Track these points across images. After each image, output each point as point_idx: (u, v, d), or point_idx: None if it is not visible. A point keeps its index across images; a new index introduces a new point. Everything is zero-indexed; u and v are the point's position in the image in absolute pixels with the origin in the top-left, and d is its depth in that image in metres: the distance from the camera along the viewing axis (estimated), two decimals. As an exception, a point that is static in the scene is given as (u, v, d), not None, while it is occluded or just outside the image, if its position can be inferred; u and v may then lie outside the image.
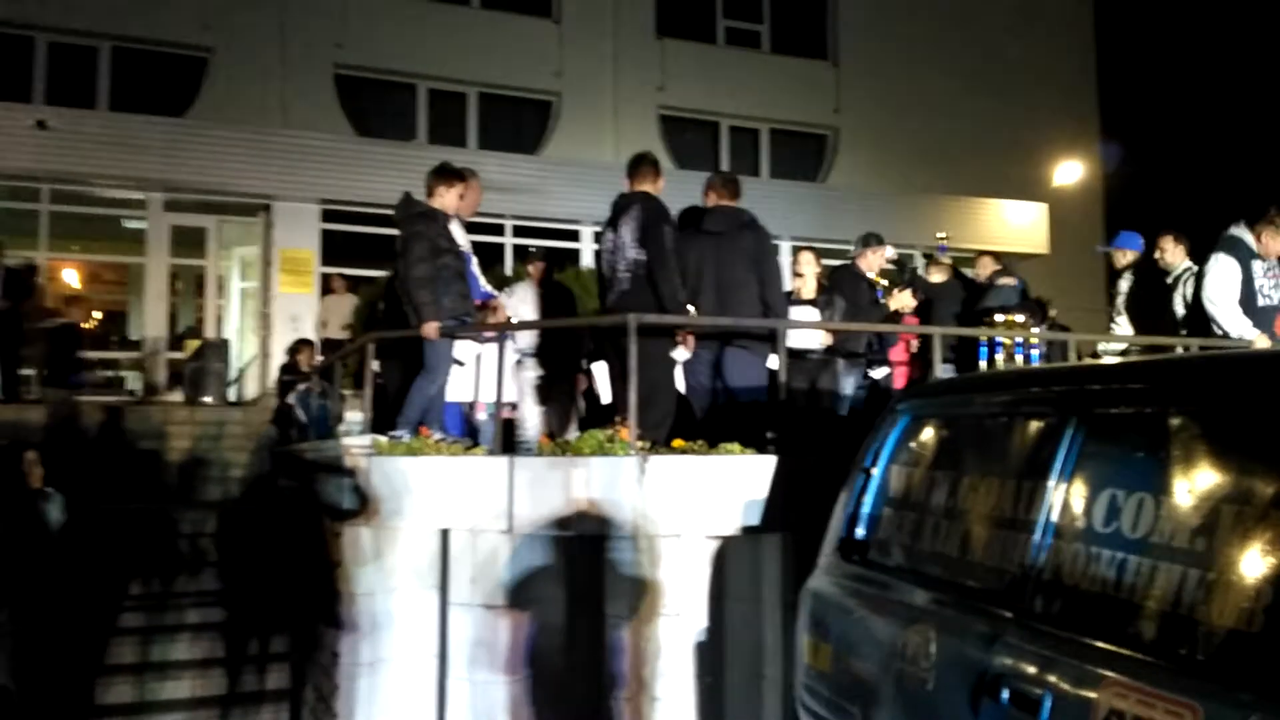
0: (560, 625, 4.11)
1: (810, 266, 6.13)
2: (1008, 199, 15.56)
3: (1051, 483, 2.23)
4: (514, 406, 5.79)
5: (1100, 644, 1.96)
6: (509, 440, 5.46)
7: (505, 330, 5.21)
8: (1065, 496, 2.20)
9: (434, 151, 10.90)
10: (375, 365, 5.48)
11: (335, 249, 12.36)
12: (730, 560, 4.01)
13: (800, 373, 5.54)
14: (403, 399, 4.95)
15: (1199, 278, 5.49)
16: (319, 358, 9.37)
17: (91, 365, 10.01)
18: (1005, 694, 2.08)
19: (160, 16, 12.58)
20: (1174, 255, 5.84)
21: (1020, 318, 5.82)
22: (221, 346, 11.80)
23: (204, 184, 11.67)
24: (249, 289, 13.08)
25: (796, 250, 6.72)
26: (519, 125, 14.68)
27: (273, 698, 5.35)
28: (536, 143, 14.63)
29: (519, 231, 13.07)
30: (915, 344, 6.18)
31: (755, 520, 3.98)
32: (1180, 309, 5.76)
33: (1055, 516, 2.20)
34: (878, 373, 5.78)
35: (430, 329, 4.83)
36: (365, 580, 4.33)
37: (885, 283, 6.25)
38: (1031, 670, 2.06)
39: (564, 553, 4.12)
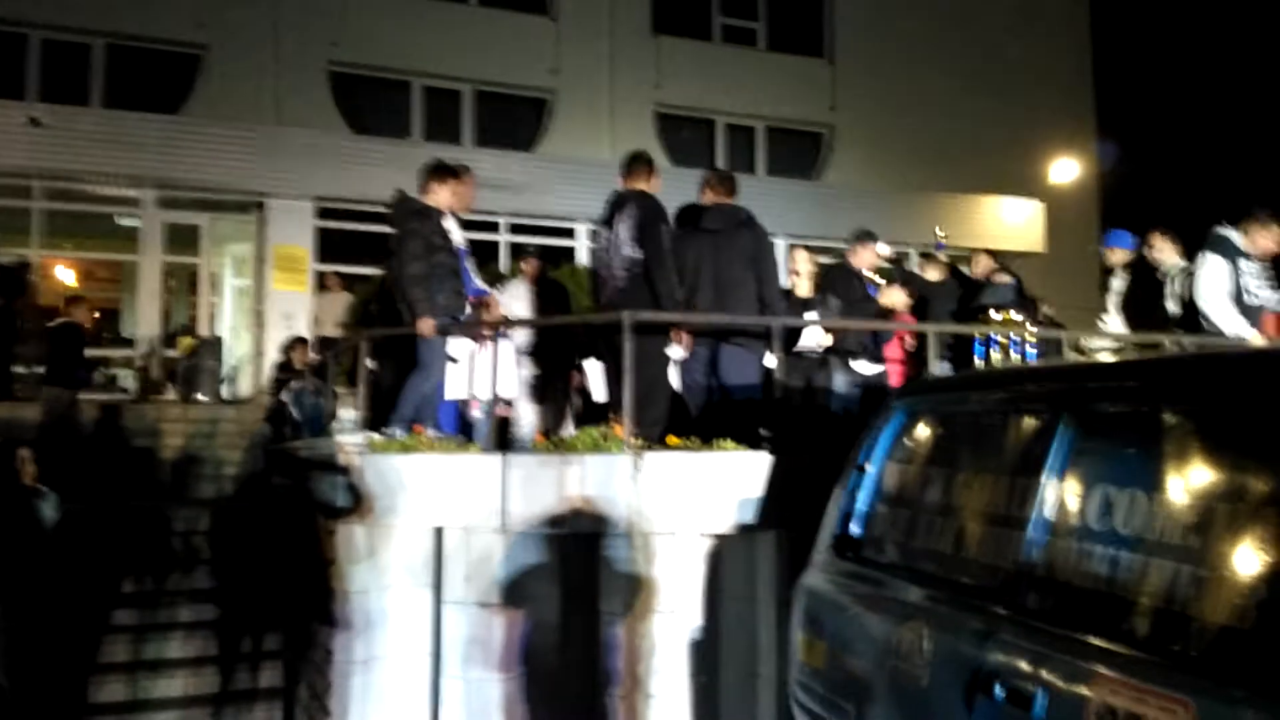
0: (555, 623, 4.11)
1: (806, 265, 6.13)
2: (1004, 197, 15.58)
3: (1045, 480, 2.23)
4: (509, 404, 5.79)
5: (1094, 640, 1.96)
6: (504, 438, 5.45)
7: (500, 327, 5.20)
8: (1059, 493, 2.20)
9: (429, 149, 10.87)
10: (369, 363, 5.47)
11: (330, 246, 12.32)
12: (725, 558, 4.01)
13: (796, 371, 5.54)
14: (397, 397, 4.94)
15: (1190, 276, 5.51)
16: (313, 355, 9.34)
17: (94, 365, 9.96)
18: (999, 690, 2.08)
19: (155, 13, 12.54)
20: (1165, 253, 5.86)
21: (1016, 315, 5.83)
22: (215, 344, 11.77)
23: (198, 181, 11.63)
24: (243, 286, 13.05)
25: (792, 248, 6.72)
26: (515, 123, 14.65)
27: (266, 696, 5.34)
28: (532, 140, 14.60)
29: (514, 229, 13.05)
30: (911, 342, 6.18)
31: (750, 518, 3.98)
32: (1172, 307, 5.77)
33: (1049, 513, 2.20)
34: (867, 368, 5.76)
35: (425, 326, 4.82)
36: (359, 578, 4.32)
37: (879, 279, 6.25)
38: (1025, 667, 2.06)
39: (558, 550, 4.12)
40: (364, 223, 11.43)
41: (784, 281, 5.84)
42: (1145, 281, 5.98)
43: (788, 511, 3.88)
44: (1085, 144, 17.28)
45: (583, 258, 12.33)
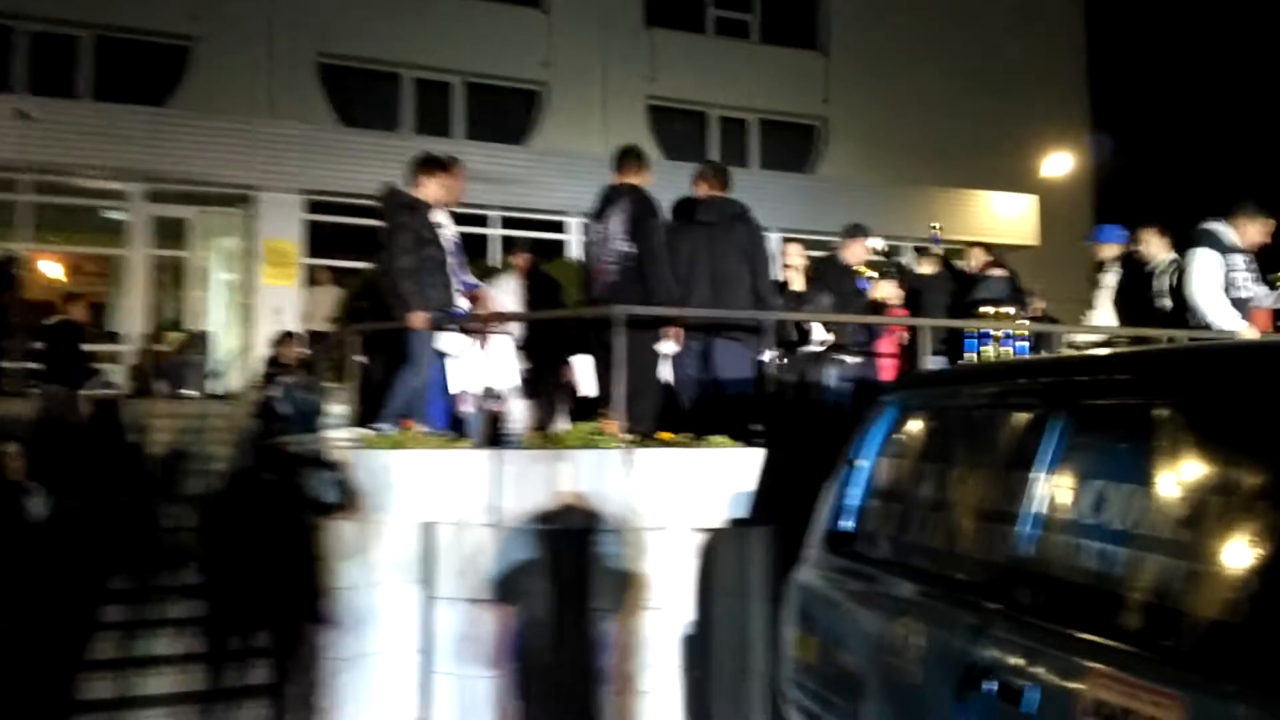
0: (546, 619, 4.09)
1: (799, 259, 6.12)
2: (997, 191, 15.59)
3: (1038, 474, 2.22)
4: (500, 399, 5.76)
5: (1086, 636, 1.95)
6: (495, 433, 5.42)
7: (490, 321, 5.17)
8: (1052, 488, 2.19)
9: (420, 142, 10.82)
10: (359, 358, 5.43)
11: (319, 240, 12.24)
12: (717, 553, 3.99)
13: (790, 365, 5.52)
14: (386, 392, 4.90)
15: (1179, 269, 5.52)
16: (303, 350, 9.29)
17: (92, 370, 9.85)
18: (991, 686, 2.07)
19: (150, 6, 12.42)
20: (1155, 247, 5.86)
21: (1010, 309, 5.83)
22: (203, 339, 11.68)
23: (186, 174, 11.54)
24: (232, 281, 12.96)
25: (785, 241, 6.71)
26: (506, 115, 14.58)
27: (255, 693, 5.30)
28: (523, 133, 14.54)
29: (505, 223, 12.99)
30: (905, 336, 6.18)
31: (742, 513, 3.97)
32: (1160, 300, 5.77)
33: (1042, 508, 2.19)
34: (849, 359, 5.74)
35: (417, 319, 4.79)
36: (349, 574, 4.30)
37: (872, 274, 6.25)
38: (1018, 662, 2.05)
39: (550, 546, 4.10)
40: (354, 216, 11.36)
41: (778, 276, 5.83)
42: (1136, 276, 5.98)
43: (780, 506, 3.86)
44: (1079, 138, 17.30)
45: (574, 251, 12.29)
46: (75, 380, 8.41)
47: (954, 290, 6.98)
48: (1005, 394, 2.56)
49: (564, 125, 14.49)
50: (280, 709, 4.90)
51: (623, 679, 3.89)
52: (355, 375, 5.32)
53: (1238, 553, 1.73)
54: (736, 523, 3.97)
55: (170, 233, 12.22)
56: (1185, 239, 5.55)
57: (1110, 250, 6.39)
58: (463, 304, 5.27)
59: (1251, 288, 5.40)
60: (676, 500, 3.95)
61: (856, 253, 6.19)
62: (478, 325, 5.27)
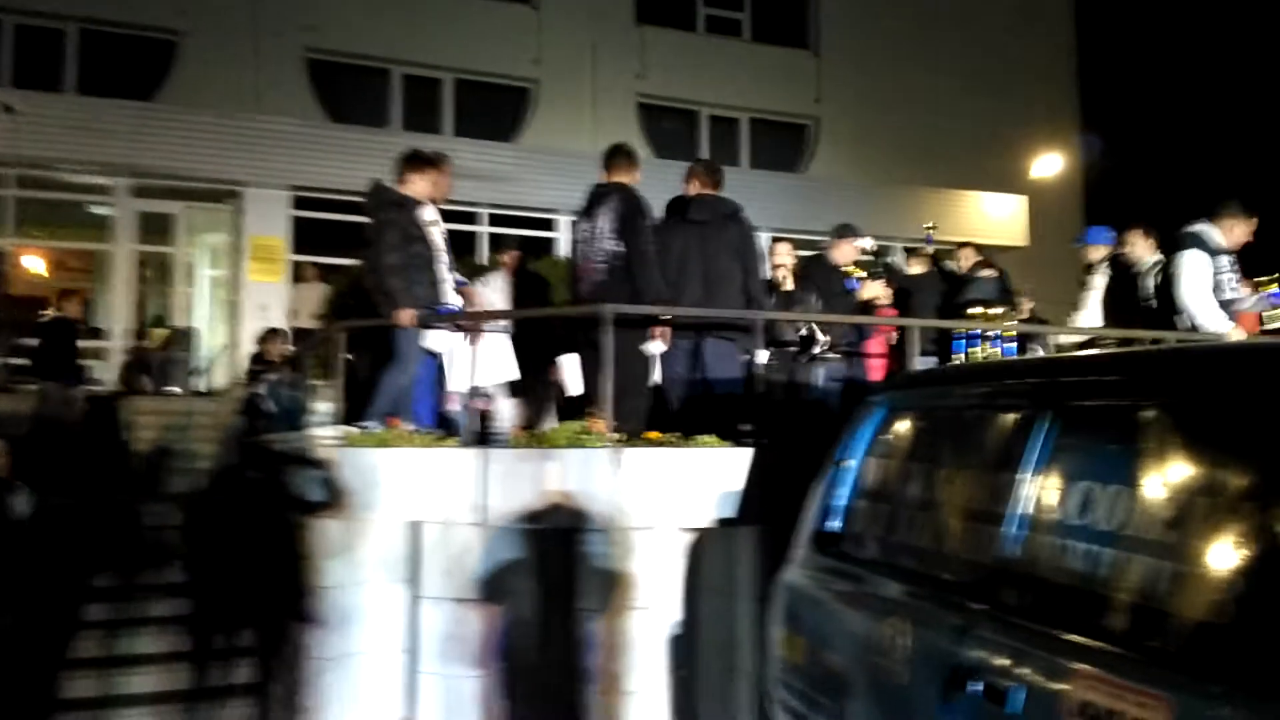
0: (533, 619, 4.07)
1: (788, 259, 6.12)
2: (988, 191, 15.65)
3: (1025, 475, 2.22)
4: (488, 397, 5.74)
5: (1072, 637, 1.95)
6: (482, 432, 5.40)
7: (477, 319, 5.15)
8: (1039, 489, 2.19)
9: (408, 138, 10.76)
10: (346, 355, 5.39)
11: (306, 236, 12.15)
12: (704, 553, 3.98)
13: (780, 365, 5.52)
14: (373, 389, 4.87)
15: (1164, 270, 5.54)
16: (289, 347, 9.23)
17: (82, 369, 9.74)
18: (977, 686, 2.07)
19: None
20: (1141, 249, 5.89)
21: (999, 310, 5.84)
22: (189, 335, 11.59)
23: (172, 169, 11.44)
24: (218, 277, 12.86)
25: (775, 241, 6.71)
26: (495, 113, 14.52)
27: (239, 692, 5.26)
28: (513, 131, 14.48)
29: (494, 220, 12.94)
30: (894, 336, 6.18)
31: (730, 513, 3.96)
32: (1150, 302, 5.80)
33: (1028, 509, 2.19)
34: (831, 356, 5.74)
35: (405, 316, 4.76)
36: (334, 573, 4.27)
37: (861, 274, 6.24)
38: (1003, 663, 2.05)
39: (537, 546, 4.08)
40: (341, 213, 11.28)
41: (768, 275, 5.82)
42: (1123, 278, 6.01)
43: (767, 507, 3.86)
44: (1069, 139, 17.38)
45: (563, 250, 12.26)
46: (70, 378, 8.31)
47: (944, 291, 7.00)
48: (993, 395, 2.56)
49: (554, 123, 14.44)
50: (264, 708, 4.87)
51: (609, 679, 3.88)
52: (341, 372, 5.28)
53: (1224, 554, 1.73)
54: (724, 522, 3.96)
55: (156, 228, 12.12)
56: (1171, 240, 5.57)
57: (1099, 252, 6.42)
58: (456, 300, 5.24)
59: (1238, 290, 5.43)
60: (664, 500, 3.93)
61: (845, 253, 6.19)
62: (466, 323, 5.23)
